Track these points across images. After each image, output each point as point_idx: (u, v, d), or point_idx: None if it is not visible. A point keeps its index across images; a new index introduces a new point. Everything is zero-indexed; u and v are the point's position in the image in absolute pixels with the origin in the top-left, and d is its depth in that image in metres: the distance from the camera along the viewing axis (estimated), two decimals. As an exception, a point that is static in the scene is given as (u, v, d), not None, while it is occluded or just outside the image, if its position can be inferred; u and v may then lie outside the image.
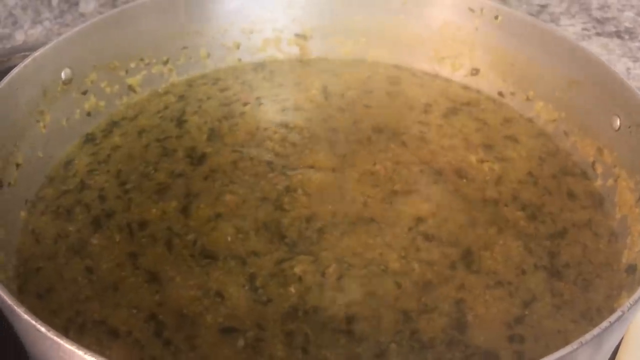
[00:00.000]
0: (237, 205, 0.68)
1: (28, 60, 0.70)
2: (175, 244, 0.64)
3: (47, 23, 1.11)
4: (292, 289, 0.60)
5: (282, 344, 0.56)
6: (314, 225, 0.66)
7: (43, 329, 0.43)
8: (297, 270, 0.62)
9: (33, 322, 0.44)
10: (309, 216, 0.67)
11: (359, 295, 0.60)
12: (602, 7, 1.17)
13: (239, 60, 0.91)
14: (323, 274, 0.61)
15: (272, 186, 0.71)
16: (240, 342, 0.56)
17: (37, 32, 1.09)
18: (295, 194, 0.69)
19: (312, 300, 0.60)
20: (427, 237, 0.66)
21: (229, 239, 0.64)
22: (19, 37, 1.08)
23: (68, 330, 0.57)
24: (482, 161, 0.75)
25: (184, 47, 0.87)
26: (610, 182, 0.71)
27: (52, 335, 0.43)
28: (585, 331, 0.46)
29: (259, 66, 0.91)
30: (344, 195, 0.70)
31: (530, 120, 0.82)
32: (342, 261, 0.63)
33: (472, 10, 0.85)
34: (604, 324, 0.46)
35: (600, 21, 1.14)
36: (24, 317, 0.44)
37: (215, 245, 0.64)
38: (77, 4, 1.15)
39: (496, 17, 0.84)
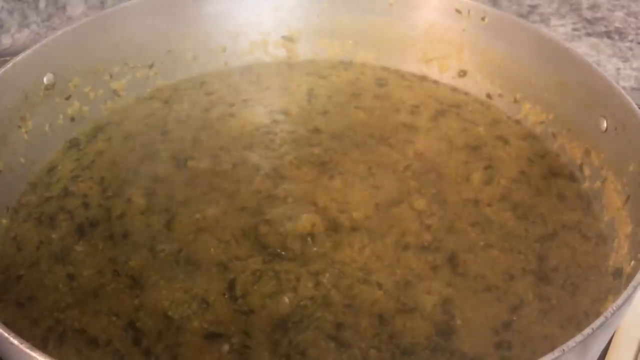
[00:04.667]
0: (218, 217, 0.67)
1: (8, 66, 0.69)
2: (158, 251, 0.63)
3: (34, 27, 1.10)
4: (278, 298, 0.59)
5: (268, 351, 0.56)
6: (298, 234, 0.65)
7: (16, 342, 0.42)
8: (283, 279, 0.61)
9: (6, 334, 0.43)
10: (291, 224, 0.66)
11: (344, 302, 0.59)
12: (592, 7, 1.17)
13: (226, 63, 0.90)
14: (308, 284, 0.61)
15: (256, 194, 0.69)
16: (225, 347, 0.56)
17: (24, 36, 1.08)
18: (278, 201, 0.68)
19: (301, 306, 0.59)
20: (412, 242, 0.65)
21: (212, 250, 0.63)
22: (6, 41, 1.07)
23: (48, 340, 0.56)
24: (471, 164, 0.75)
25: (169, 51, 0.86)
26: (597, 184, 0.70)
27: (25, 348, 0.42)
28: (572, 336, 0.45)
29: (246, 69, 0.90)
30: (329, 202, 0.68)
31: (518, 122, 0.82)
32: (327, 270, 0.62)
33: (459, 11, 0.85)
34: (587, 330, 0.45)
35: (591, 21, 1.14)
36: (-4, 329, 0.43)
37: (198, 254, 0.63)
38: (64, 7, 1.14)
39: (483, 19, 0.83)
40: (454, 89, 0.87)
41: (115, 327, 0.57)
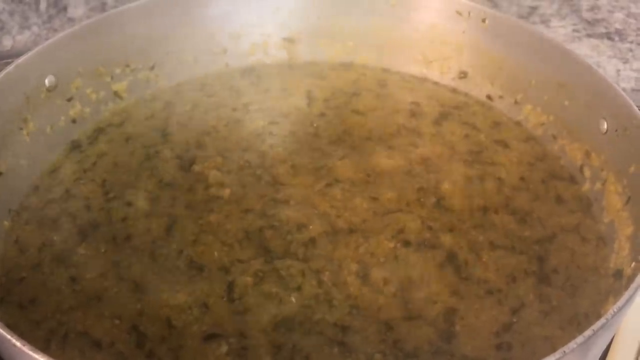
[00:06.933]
0: (221, 220, 0.67)
1: (10, 68, 0.69)
2: (161, 254, 0.64)
3: (35, 28, 1.10)
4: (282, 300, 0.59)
5: (269, 354, 0.56)
6: (301, 237, 0.65)
7: (19, 344, 0.43)
8: (286, 282, 0.61)
9: (9, 336, 0.43)
10: (294, 228, 0.66)
11: (346, 306, 0.59)
12: (592, 9, 1.17)
13: (227, 65, 0.90)
14: (312, 285, 0.61)
15: (259, 198, 0.69)
16: (224, 348, 0.56)
17: (25, 37, 1.09)
18: (281, 205, 0.68)
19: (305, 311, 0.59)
20: (414, 245, 0.65)
21: (216, 254, 0.63)
22: (7, 43, 1.07)
23: (50, 342, 0.56)
24: (471, 167, 0.74)
25: (170, 53, 0.87)
26: (598, 185, 0.71)
27: (27, 350, 0.42)
28: (573, 337, 0.45)
29: (247, 71, 0.90)
30: (329, 205, 0.68)
31: (518, 123, 0.82)
32: (329, 272, 0.62)
33: (459, 13, 0.85)
34: (588, 332, 0.45)
35: (591, 22, 1.14)
36: None
37: (201, 257, 0.63)
38: (65, 8, 1.14)
39: (484, 20, 0.83)
40: (455, 91, 0.87)
41: (118, 330, 0.57)
